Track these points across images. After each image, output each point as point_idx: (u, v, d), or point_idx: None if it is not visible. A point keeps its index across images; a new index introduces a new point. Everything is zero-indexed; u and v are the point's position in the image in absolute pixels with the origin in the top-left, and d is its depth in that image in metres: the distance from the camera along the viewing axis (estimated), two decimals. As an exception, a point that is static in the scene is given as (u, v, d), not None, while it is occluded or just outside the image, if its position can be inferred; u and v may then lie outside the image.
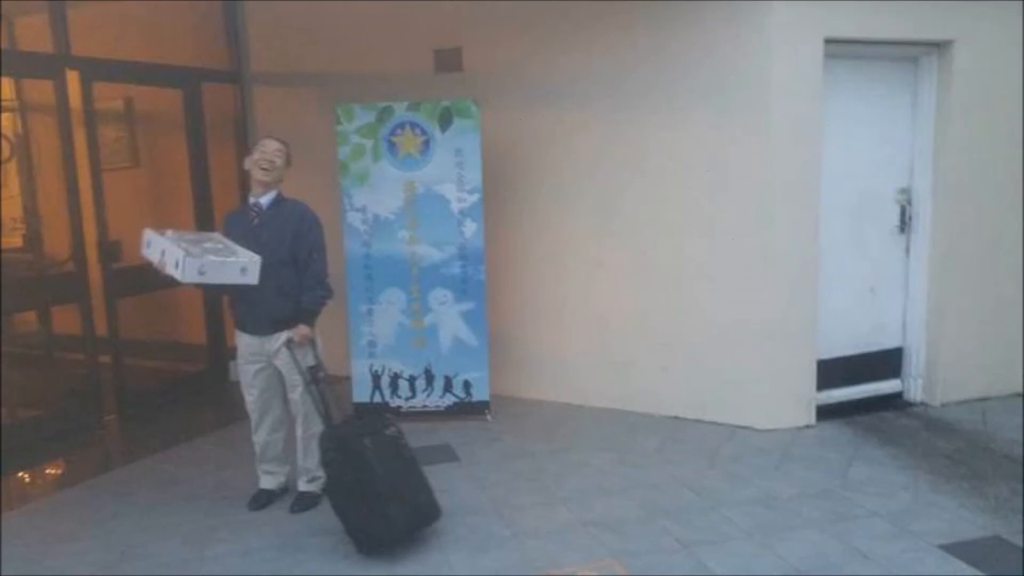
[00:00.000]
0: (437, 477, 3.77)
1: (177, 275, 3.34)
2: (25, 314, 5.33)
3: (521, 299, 5.34)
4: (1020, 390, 5.06)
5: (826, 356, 4.78)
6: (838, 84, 4.59)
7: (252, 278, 3.45)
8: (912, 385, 5.06)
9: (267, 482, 3.96)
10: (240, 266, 3.43)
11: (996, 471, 4.00)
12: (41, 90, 5.04)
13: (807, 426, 4.67)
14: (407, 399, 5.03)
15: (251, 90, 6.08)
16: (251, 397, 3.83)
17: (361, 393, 5.06)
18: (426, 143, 4.83)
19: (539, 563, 3.25)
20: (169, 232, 3.52)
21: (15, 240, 5.54)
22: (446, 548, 3.40)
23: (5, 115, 5.64)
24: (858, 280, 4.92)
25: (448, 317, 4.95)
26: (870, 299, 4.98)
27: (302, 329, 3.64)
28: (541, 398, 5.32)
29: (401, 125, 4.84)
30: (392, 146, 4.86)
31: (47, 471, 4.59)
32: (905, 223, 4.96)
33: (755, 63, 4.40)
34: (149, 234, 3.50)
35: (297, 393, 3.73)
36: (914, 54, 4.81)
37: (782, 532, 3.43)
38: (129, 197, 6.04)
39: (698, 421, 4.81)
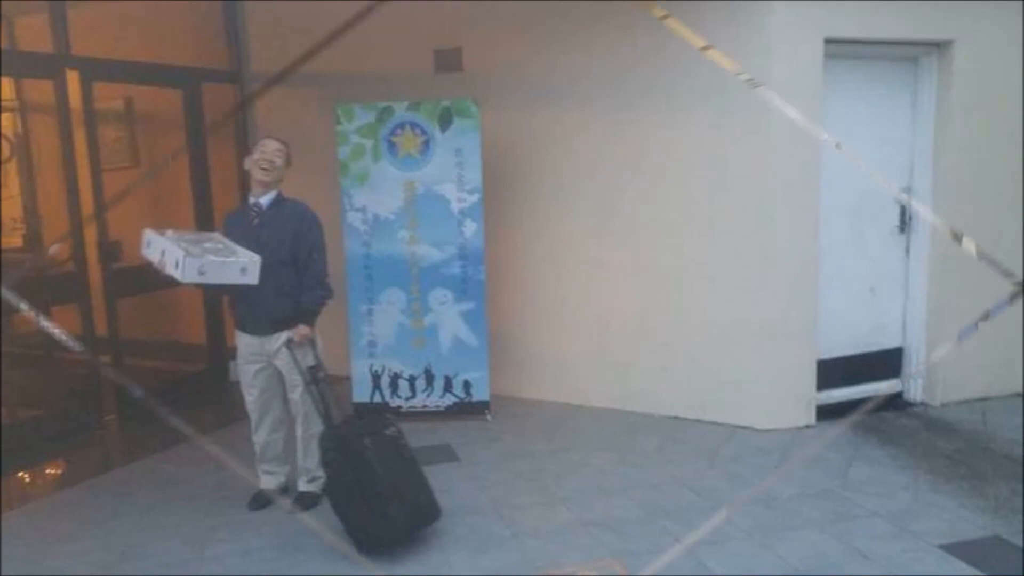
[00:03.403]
0: (437, 477, 3.77)
1: (177, 275, 3.34)
2: (25, 314, 5.33)
3: (521, 299, 5.34)
4: (1020, 390, 5.06)
5: (826, 356, 4.78)
6: (838, 84, 4.59)
7: (252, 278, 3.45)
8: (912, 385, 5.06)
9: (267, 482, 3.96)
10: (240, 266, 3.43)
11: (996, 471, 4.00)
12: (41, 90, 5.05)
13: (807, 426, 4.67)
14: (407, 399, 5.03)
15: (251, 90, 6.07)
16: (251, 397, 3.83)
17: (361, 393, 5.06)
18: (426, 143, 4.83)
19: (539, 563, 3.25)
20: (169, 232, 3.51)
21: (15, 240, 5.55)
22: (446, 548, 3.40)
23: (5, 115, 5.64)
24: (858, 280, 4.92)
25: (448, 317, 4.95)
26: (870, 299, 4.98)
27: (302, 329, 3.64)
28: (541, 398, 5.32)
29: (401, 125, 4.84)
30: (392, 146, 4.86)
31: (47, 471, 4.59)
32: (905, 223, 4.96)
33: (755, 63, 4.40)
34: (149, 234, 3.49)
35: (297, 393, 3.73)
36: (914, 54, 4.81)
37: (782, 532, 3.43)
38: (129, 197, 6.03)
39: (698, 421, 4.81)
